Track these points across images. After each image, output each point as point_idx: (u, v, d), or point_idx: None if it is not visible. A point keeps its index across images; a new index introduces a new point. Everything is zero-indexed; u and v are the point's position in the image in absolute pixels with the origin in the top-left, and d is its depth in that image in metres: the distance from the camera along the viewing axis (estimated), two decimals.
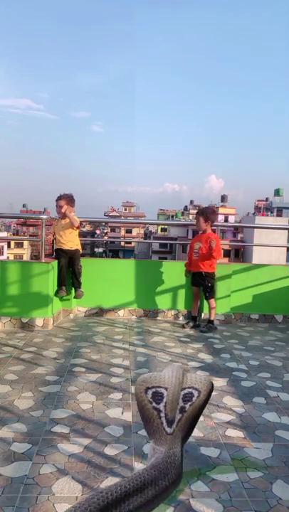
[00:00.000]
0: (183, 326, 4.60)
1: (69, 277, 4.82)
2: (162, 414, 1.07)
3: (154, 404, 1.08)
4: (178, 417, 1.07)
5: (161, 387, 1.10)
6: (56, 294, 4.64)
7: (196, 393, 1.09)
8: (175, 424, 1.07)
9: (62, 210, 4.76)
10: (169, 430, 1.07)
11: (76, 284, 4.81)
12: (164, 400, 1.08)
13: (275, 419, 2.47)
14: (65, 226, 4.78)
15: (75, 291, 4.83)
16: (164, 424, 1.07)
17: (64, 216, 4.79)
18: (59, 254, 4.75)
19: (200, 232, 4.72)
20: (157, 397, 1.08)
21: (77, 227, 4.82)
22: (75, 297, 4.84)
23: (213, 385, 1.20)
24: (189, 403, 1.08)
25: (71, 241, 4.78)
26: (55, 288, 4.64)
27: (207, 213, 4.60)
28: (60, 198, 4.82)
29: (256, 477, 1.88)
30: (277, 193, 55.21)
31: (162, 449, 1.06)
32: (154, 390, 1.08)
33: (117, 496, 0.88)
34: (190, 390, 1.09)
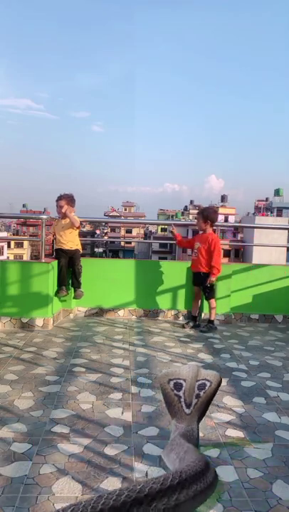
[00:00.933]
0: (183, 326, 4.60)
1: (69, 277, 4.82)
2: (182, 400, 1.36)
3: (175, 391, 1.37)
4: (194, 402, 1.36)
5: (180, 379, 1.40)
6: (56, 294, 4.64)
7: (208, 383, 1.37)
8: (192, 406, 1.35)
9: (63, 210, 4.76)
10: (187, 411, 1.35)
11: (76, 284, 4.81)
12: (183, 388, 1.37)
13: (275, 419, 2.47)
14: (65, 226, 4.77)
15: (75, 291, 4.82)
16: (184, 406, 1.36)
17: (64, 216, 4.79)
18: (59, 254, 4.75)
19: (200, 232, 4.72)
20: (177, 386, 1.38)
21: (78, 228, 4.82)
22: (74, 297, 4.84)
23: (221, 378, 1.41)
24: (203, 391, 1.37)
25: (71, 241, 4.77)
26: (55, 288, 4.64)
27: (207, 213, 4.61)
28: (60, 198, 4.81)
29: (256, 477, 1.89)
30: (277, 193, 55.21)
31: (182, 425, 1.35)
32: (174, 381, 1.39)
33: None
34: (203, 381, 1.38)
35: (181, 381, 1.36)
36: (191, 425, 1.28)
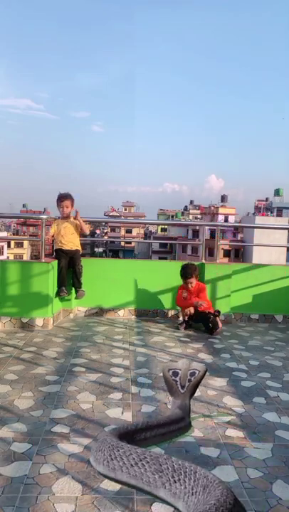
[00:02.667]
0: (177, 327, 4.55)
1: (69, 278, 4.81)
2: (178, 383, 1.93)
3: (173, 377, 1.95)
4: (187, 384, 1.93)
5: (177, 368, 1.98)
6: (57, 295, 4.64)
7: (197, 372, 1.95)
8: (186, 388, 1.92)
9: (77, 217, 4.75)
10: (182, 391, 1.92)
11: (77, 284, 4.79)
12: (179, 375, 1.95)
13: (275, 419, 2.47)
14: (67, 227, 4.75)
15: (76, 291, 4.82)
16: (180, 388, 1.93)
17: (67, 217, 4.76)
18: (59, 254, 4.72)
19: (190, 287, 4.47)
20: (175, 373, 1.96)
21: (84, 233, 4.84)
22: (76, 298, 4.83)
23: (207, 368, 2.05)
24: (193, 377, 1.95)
25: (72, 242, 4.76)
26: (55, 288, 4.63)
27: (197, 272, 4.42)
28: (65, 197, 4.75)
29: (256, 477, 1.88)
30: (277, 193, 55.24)
31: (178, 401, 1.91)
32: (173, 370, 1.97)
33: (143, 426, 1.58)
34: (193, 370, 1.96)
35: (178, 370, 1.98)
36: (185, 401, 1.91)
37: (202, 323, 4.43)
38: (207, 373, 3.18)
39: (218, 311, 4.41)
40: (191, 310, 4.37)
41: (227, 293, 4.92)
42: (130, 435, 1.49)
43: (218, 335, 4.29)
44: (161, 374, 2.14)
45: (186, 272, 4.45)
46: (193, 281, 4.48)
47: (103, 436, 1.32)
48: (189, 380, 1.90)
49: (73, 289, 4.84)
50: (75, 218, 4.78)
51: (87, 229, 4.78)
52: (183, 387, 1.89)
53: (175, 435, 1.88)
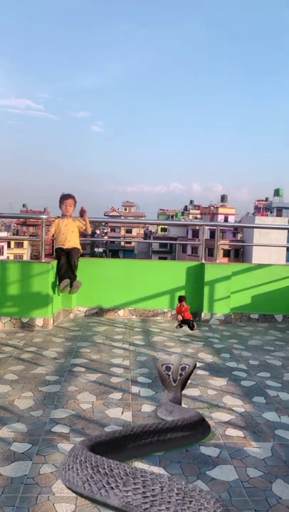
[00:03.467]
0: (176, 326, 4.55)
1: (67, 275, 4.80)
2: (171, 377, 2.08)
3: (166, 372, 2.10)
4: (178, 378, 2.08)
5: (170, 363, 2.11)
6: (58, 285, 4.61)
7: (187, 366, 2.08)
8: (177, 381, 2.07)
9: (85, 216, 4.76)
10: (174, 384, 2.08)
11: (72, 276, 4.72)
12: (171, 369, 2.09)
13: (275, 418, 2.47)
14: (68, 225, 4.73)
15: (71, 285, 4.73)
16: (172, 381, 2.09)
17: (69, 215, 4.75)
18: (59, 253, 4.70)
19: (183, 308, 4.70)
20: (168, 368, 2.10)
21: (85, 231, 4.83)
22: (70, 292, 4.73)
23: (196, 363, 2.21)
24: (184, 371, 2.09)
25: (72, 240, 4.75)
26: (55, 288, 4.63)
27: (185, 299, 4.66)
28: (68, 197, 4.77)
29: (256, 476, 1.89)
30: (277, 193, 55.24)
31: (171, 394, 2.07)
32: (166, 365, 2.10)
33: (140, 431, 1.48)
34: (184, 365, 2.09)
35: (170, 365, 2.11)
36: (177, 393, 2.05)
37: (187, 325, 4.64)
38: (207, 373, 3.20)
39: (195, 316, 4.83)
40: (180, 317, 4.64)
41: (227, 293, 4.92)
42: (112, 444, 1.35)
43: (195, 330, 4.50)
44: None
45: (181, 298, 4.72)
46: (184, 304, 4.65)
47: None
48: (180, 374, 2.08)
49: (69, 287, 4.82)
50: (81, 216, 4.77)
51: (90, 229, 4.78)
52: (175, 380, 2.07)
53: (190, 441, 1.76)
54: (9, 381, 2.90)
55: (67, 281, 4.62)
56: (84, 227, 4.82)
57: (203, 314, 4.85)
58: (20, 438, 2.15)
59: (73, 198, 4.79)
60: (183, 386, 2.07)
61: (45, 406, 2.52)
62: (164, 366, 2.09)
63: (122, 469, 1.00)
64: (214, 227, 5.92)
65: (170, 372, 2.06)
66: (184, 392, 2.39)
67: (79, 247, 4.83)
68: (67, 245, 4.70)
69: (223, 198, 55.59)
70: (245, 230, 42.65)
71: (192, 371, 2.08)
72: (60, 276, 4.68)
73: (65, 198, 4.77)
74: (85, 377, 3.03)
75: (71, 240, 4.73)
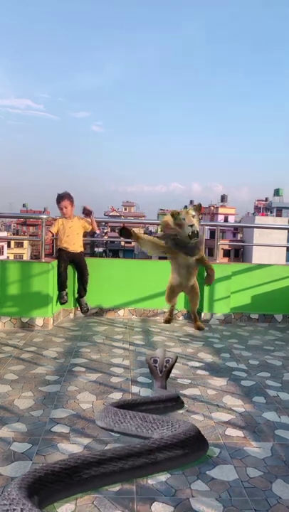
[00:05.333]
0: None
1: (70, 283, 4.73)
2: (158, 368, 2.48)
3: (154, 364, 2.50)
4: (164, 369, 2.49)
5: (156, 356, 2.52)
6: (58, 300, 4.58)
7: (170, 359, 2.52)
8: (163, 372, 2.49)
9: (92, 216, 4.71)
10: (160, 374, 2.49)
11: (82, 292, 4.71)
12: (158, 362, 2.50)
13: (275, 418, 2.47)
14: (73, 227, 4.63)
15: (80, 300, 4.74)
16: (158, 372, 2.49)
17: (70, 216, 4.65)
18: (62, 255, 4.59)
19: None
20: (155, 361, 2.51)
21: (92, 231, 4.82)
22: (82, 312, 4.79)
23: (177, 357, 2.69)
24: (168, 363, 2.51)
25: (77, 243, 4.67)
26: (55, 288, 4.63)
27: None
28: (62, 198, 4.62)
29: (256, 476, 1.89)
30: (277, 193, 55.23)
31: (158, 383, 2.49)
32: (153, 358, 2.51)
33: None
34: (168, 358, 2.52)
35: (157, 358, 2.52)
36: (163, 382, 2.48)
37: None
38: (207, 373, 3.20)
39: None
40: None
41: (227, 293, 4.92)
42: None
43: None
44: (144, 368, 2.77)
45: None
46: None
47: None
48: (165, 366, 2.49)
49: (75, 297, 4.81)
50: (87, 216, 4.71)
51: (97, 228, 4.79)
52: (161, 371, 2.47)
53: (184, 462, 1.90)
54: (9, 381, 2.90)
55: (65, 301, 4.59)
56: (90, 228, 4.77)
57: (203, 314, 4.85)
58: (20, 438, 2.15)
59: (68, 197, 4.65)
60: (167, 375, 2.55)
61: (45, 406, 2.52)
62: (152, 359, 2.52)
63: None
64: (214, 227, 5.92)
65: (157, 364, 2.50)
66: (184, 392, 2.76)
67: (83, 249, 4.80)
68: (73, 248, 4.63)
69: (223, 198, 55.58)
70: (245, 230, 42.64)
71: (174, 363, 2.55)
72: (59, 283, 4.58)
73: (58, 199, 4.64)
74: (85, 377, 3.03)
75: (76, 243, 4.66)
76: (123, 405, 2.27)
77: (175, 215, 3.22)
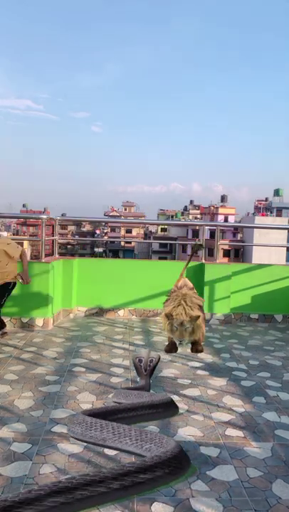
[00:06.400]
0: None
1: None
2: (142, 367, 2.70)
3: (139, 363, 2.73)
4: (148, 368, 2.71)
5: (142, 356, 2.74)
6: None
7: (154, 359, 2.73)
8: (147, 371, 2.70)
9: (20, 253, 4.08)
10: (145, 372, 2.70)
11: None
12: (143, 361, 2.71)
13: (275, 418, 2.47)
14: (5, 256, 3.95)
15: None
16: (143, 370, 2.70)
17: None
18: None
19: None
20: (140, 360, 2.72)
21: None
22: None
23: (160, 356, 2.88)
24: (152, 363, 2.73)
25: (13, 271, 4.06)
26: (55, 288, 4.63)
27: None
28: None
29: (256, 476, 1.89)
30: (277, 193, 55.22)
31: (143, 380, 2.69)
32: (138, 358, 2.74)
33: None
34: (152, 357, 2.73)
35: (142, 358, 2.72)
36: (147, 380, 2.66)
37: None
38: (207, 373, 3.20)
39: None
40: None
41: (227, 293, 4.92)
42: None
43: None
44: (132, 360, 2.95)
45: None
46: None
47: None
48: (149, 366, 2.69)
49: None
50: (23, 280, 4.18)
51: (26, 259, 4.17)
52: (145, 370, 2.66)
53: (169, 479, 1.75)
54: (9, 381, 2.90)
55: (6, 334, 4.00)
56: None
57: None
58: (20, 438, 2.15)
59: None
60: (151, 374, 2.74)
61: (45, 406, 2.52)
62: (137, 359, 2.73)
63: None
64: (214, 227, 5.92)
65: (142, 364, 2.70)
66: (184, 392, 2.82)
67: (16, 276, 4.13)
68: (7, 279, 4.01)
69: (223, 198, 55.56)
70: (245, 230, 42.64)
71: (157, 363, 2.76)
72: None
73: None
74: (85, 377, 3.03)
75: (12, 271, 4.04)
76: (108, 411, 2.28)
77: (169, 318, 3.11)
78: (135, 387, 2.70)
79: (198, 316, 3.12)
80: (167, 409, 2.44)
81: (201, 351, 3.55)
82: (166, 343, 3.64)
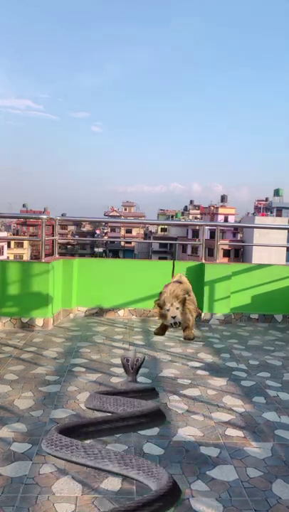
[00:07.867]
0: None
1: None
2: (129, 365, 2.84)
3: (126, 362, 2.85)
4: (134, 367, 2.84)
5: (129, 356, 2.86)
6: None
7: (139, 358, 2.86)
8: (134, 369, 2.84)
9: None
10: (132, 371, 2.83)
11: None
12: (130, 361, 2.84)
13: (275, 418, 2.47)
14: None
15: None
16: (130, 369, 2.84)
17: None
18: None
19: None
20: (127, 360, 2.85)
21: None
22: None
23: (145, 357, 2.98)
24: (138, 362, 2.85)
25: None
26: (55, 288, 4.63)
27: None
28: None
29: (256, 476, 1.89)
30: (277, 193, 55.23)
31: (130, 378, 2.85)
32: (126, 358, 2.86)
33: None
34: (138, 358, 2.86)
35: (129, 357, 2.85)
36: (134, 377, 2.83)
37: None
38: (207, 373, 3.20)
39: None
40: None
41: (227, 293, 4.92)
42: None
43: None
44: (144, 368, 3.05)
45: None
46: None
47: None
48: (135, 364, 2.85)
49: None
50: None
51: None
52: (132, 368, 2.83)
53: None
54: (9, 381, 2.90)
55: None
56: None
57: (203, 314, 4.85)
58: (20, 438, 2.15)
59: None
60: (137, 371, 2.88)
61: (45, 406, 2.52)
62: (124, 359, 2.88)
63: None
64: (214, 227, 5.92)
65: (129, 363, 2.85)
66: (184, 392, 2.84)
67: None
68: None
69: (223, 198, 55.57)
70: (245, 230, 42.66)
71: (143, 362, 2.90)
72: None
73: None
74: (85, 377, 3.03)
75: None
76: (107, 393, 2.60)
77: (161, 305, 3.44)
78: (113, 391, 2.66)
79: (184, 298, 3.42)
80: (152, 418, 2.30)
81: (191, 338, 3.54)
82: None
